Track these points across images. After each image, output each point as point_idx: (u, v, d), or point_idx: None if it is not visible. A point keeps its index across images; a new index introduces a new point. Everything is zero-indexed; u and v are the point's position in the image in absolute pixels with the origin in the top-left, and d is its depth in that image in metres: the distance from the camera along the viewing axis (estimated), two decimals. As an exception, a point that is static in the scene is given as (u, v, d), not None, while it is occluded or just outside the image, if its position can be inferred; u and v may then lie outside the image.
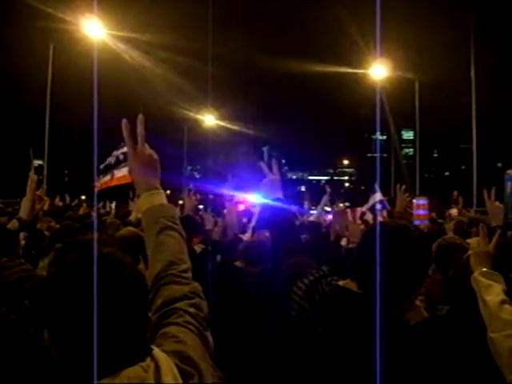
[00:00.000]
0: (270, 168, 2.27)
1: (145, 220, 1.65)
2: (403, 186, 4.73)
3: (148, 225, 1.63)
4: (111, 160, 7.24)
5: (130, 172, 1.73)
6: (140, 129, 1.67)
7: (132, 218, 6.58)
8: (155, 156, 1.70)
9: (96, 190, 7.43)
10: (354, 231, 4.45)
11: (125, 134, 1.68)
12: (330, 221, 7.55)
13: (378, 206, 8.40)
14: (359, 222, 6.54)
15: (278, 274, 1.98)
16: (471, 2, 21.62)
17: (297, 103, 52.04)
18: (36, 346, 1.57)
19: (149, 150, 1.69)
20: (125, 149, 1.78)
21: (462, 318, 2.28)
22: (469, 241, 2.98)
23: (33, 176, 3.16)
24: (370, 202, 8.68)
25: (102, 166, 7.27)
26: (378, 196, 8.66)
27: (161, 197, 1.66)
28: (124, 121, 1.66)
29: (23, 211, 3.06)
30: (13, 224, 2.97)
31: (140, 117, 1.67)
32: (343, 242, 5.31)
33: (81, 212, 7.75)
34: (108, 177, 7.39)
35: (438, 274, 2.79)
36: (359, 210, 8.86)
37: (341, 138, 55.38)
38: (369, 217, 8.03)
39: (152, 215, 1.63)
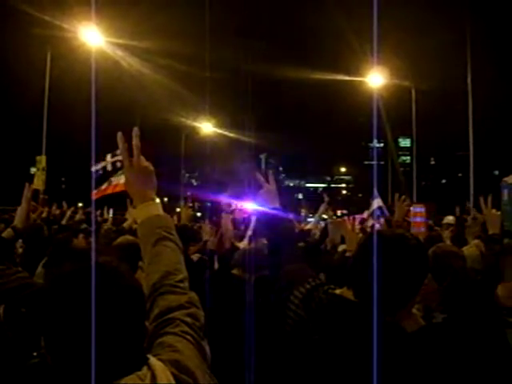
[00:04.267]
0: (267, 178, 2.27)
1: (141, 231, 1.65)
2: (402, 196, 4.74)
3: (144, 235, 1.63)
4: (107, 166, 7.22)
5: (125, 184, 1.73)
6: (135, 141, 1.67)
7: (126, 225, 6.63)
8: (151, 168, 1.71)
9: (93, 197, 7.42)
10: (351, 239, 4.42)
11: (120, 146, 1.69)
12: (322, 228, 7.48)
13: (377, 212, 8.33)
14: (357, 230, 6.52)
15: (275, 281, 1.99)
16: (467, 9, 21.75)
17: (294, 111, 52.17)
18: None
19: (144, 162, 1.70)
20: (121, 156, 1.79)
21: (458, 326, 2.28)
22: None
23: (28, 185, 3.19)
24: (371, 209, 8.60)
25: (98, 170, 7.24)
26: (377, 202, 8.58)
27: (157, 207, 1.67)
28: (119, 134, 1.67)
29: (18, 220, 3.07)
30: (8, 232, 2.98)
31: (135, 129, 1.68)
32: (340, 249, 5.30)
33: (76, 218, 7.79)
34: (105, 184, 7.39)
35: (433, 282, 2.79)
36: (358, 217, 8.79)
37: (338, 146, 55.46)
38: (370, 223, 7.96)
39: (148, 226, 1.63)
